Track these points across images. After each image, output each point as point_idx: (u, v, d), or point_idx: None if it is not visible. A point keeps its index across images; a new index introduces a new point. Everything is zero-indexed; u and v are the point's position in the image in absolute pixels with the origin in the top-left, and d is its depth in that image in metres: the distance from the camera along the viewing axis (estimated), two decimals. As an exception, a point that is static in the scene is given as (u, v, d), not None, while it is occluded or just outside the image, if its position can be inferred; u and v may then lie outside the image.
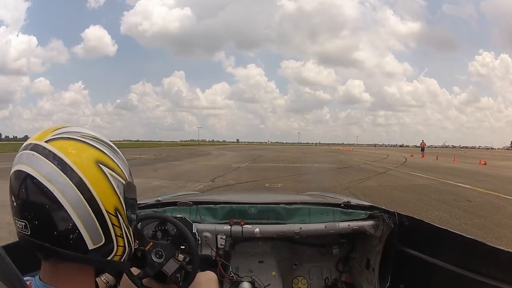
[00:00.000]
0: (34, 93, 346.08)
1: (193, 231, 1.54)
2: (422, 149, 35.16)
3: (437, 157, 28.71)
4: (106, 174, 0.67)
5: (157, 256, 1.11)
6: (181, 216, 1.57)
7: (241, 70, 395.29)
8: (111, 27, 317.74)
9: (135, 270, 1.12)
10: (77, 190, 0.63)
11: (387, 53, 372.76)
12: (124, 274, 1.14)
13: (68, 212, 0.62)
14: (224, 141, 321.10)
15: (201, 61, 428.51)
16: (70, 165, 0.63)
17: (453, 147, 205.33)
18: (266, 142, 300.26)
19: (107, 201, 0.66)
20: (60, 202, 0.61)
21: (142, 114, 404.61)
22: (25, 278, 0.62)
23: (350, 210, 1.85)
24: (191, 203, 1.82)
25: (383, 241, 1.75)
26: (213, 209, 1.83)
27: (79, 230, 0.63)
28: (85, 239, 0.64)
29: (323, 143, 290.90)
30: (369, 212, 1.83)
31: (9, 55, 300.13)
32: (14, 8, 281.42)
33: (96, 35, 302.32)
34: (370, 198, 7.66)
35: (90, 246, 0.64)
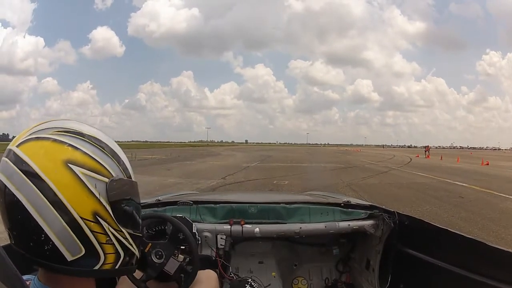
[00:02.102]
0: (41, 93, 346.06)
1: (193, 231, 1.54)
2: (427, 151, 34.59)
3: (441, 158, 28.80)
4: (77, 175, 0.61)
5: (157, 256, 1.10)
6: (181, 215, 1.58)
7: (250, 70, 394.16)
8: (118, 28, 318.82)
9: (137, 273, 1.09)
10: (44, 197, 0.58)
11: (395, 52, 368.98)
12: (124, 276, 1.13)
13: (39, 222, 0.58)
14: (232, 141, 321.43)
15: (209, 61, 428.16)
16: (36, 170, 0.59)
17: (461, 147, 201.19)
18: (275, 143, 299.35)
19: (81, 206, 0.60)
20: (29, 212, 0.58)
21: (151, 114, 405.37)
22: (24, 277, 0.61)
23: (350, 209, 1.84)
24: (191, 202, 1.81)
25: (383, 241, 1.73)
26: (213, 208, 1.82)
27: (52, 242, 0.59)
28: (61, 250, 0.59)
29: (331, 144, 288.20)
30: (369, 212, 1.82)
31: (16, 56, 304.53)
32: (20, 10, 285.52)
33: (104, 36, 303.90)
34: (368, 193, 8.31)
35: (69, 257, 0.60)
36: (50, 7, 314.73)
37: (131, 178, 0.70)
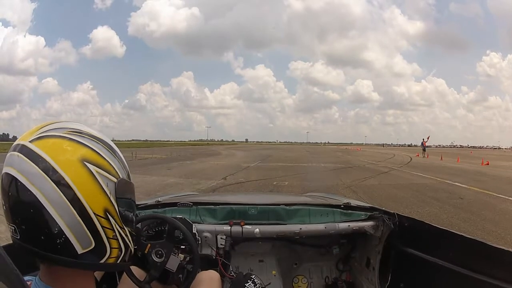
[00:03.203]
0: (42, 93, 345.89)
1: (193, 232, 1.55)
2: (424, 149, 32.57)
3: (441, 157, 28.57)
4: (93, 173, 0.64)
5: (158, 256, 1.11)
6: (181, 216, 1.58)
7: (250, 71, 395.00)
8: (118, 28, 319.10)
9: (141, 275, 1.11)
10: (61, 193, 0.60)
11: (396, 53, 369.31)
12: (126, 276, 1.14)
13: (53, 216, 0.60)
14: (233, 140, 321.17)
15: (210, 61, 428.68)
16: (53, 166, 0.61)
17: (461, 146, 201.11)
18: (275, 142, 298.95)
19: (95, 202, 0.63)
20: (44, 206, 0.59)
21: (151, 114, 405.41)
22: (25, 278, 0.62)
23: (350, 211, 1.85)
24: (191, 203, 1.82)
25: (383, 241, 1.75)
26: (213, 209, 1.83)
27: (65, 235, 0.61)
28: (73, 243, 0.62)
29: (332, 143, 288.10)
30: (369, 213, 1.83)
31: (16, 56, 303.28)
32: (21, 9, 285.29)
33: (104, 36, 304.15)
34: (368, 195, 8.31)
35: (79, 250, 0.62)
36: (50, 6, 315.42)
37: (129, 179, 0.74)
